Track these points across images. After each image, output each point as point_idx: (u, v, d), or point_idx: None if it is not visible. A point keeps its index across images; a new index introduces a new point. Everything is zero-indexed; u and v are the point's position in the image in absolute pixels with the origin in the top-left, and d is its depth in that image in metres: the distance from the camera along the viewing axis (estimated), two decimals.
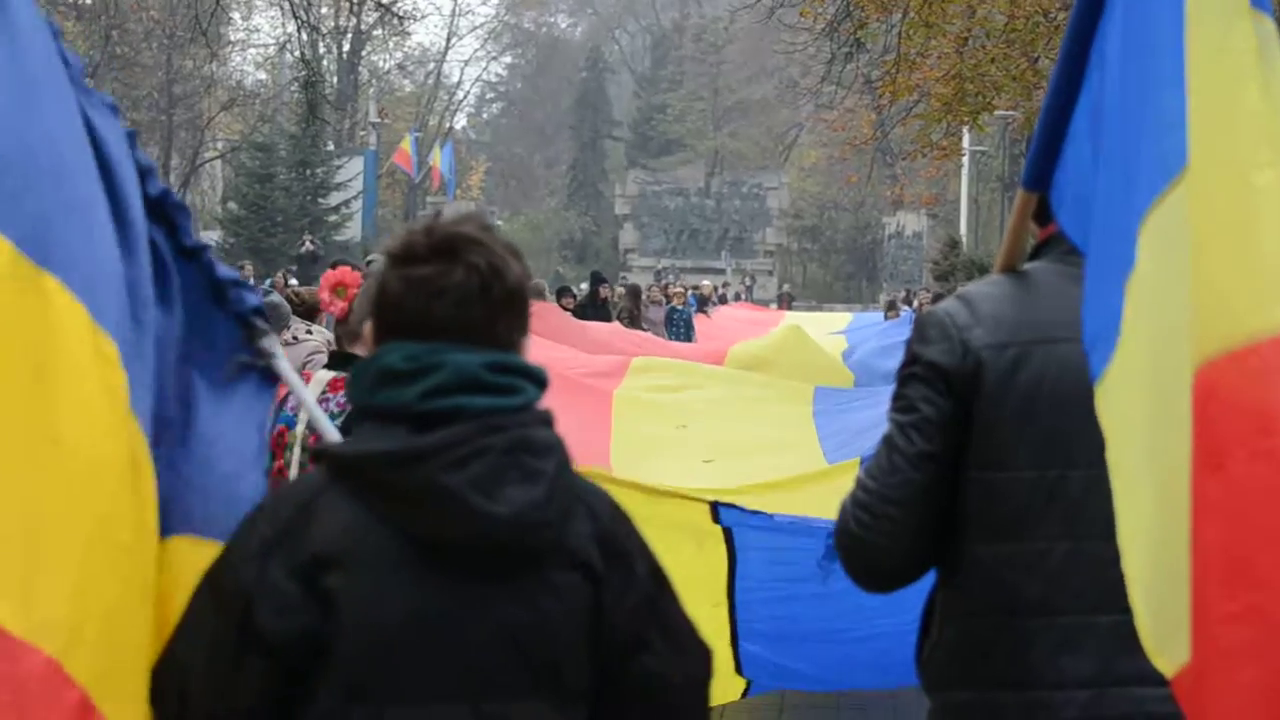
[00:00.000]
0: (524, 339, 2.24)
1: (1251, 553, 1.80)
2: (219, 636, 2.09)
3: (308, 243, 35.33)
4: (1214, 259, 1.87)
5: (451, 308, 2.13)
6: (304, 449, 4.02)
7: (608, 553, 2.19)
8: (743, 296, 42.64)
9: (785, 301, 38.99)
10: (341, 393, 3.97)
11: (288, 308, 8.27)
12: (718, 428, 8.07)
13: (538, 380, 2.20)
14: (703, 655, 2.30)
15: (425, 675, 2.09)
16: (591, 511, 2.21)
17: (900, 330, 13.77)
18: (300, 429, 4.05)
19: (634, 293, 20.28)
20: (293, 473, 3.97)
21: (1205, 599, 1.83)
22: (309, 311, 8.28)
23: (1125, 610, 2.03)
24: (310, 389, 4.00)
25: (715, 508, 4.48)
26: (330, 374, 4.10)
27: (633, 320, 18.31)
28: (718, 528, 4.52)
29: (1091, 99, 2.35)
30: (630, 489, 4.06)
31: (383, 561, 2.09)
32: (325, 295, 4.26)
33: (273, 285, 23.84)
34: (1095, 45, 2.34)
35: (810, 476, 5.95)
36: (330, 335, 7.97)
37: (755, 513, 4.41)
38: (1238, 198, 1.87)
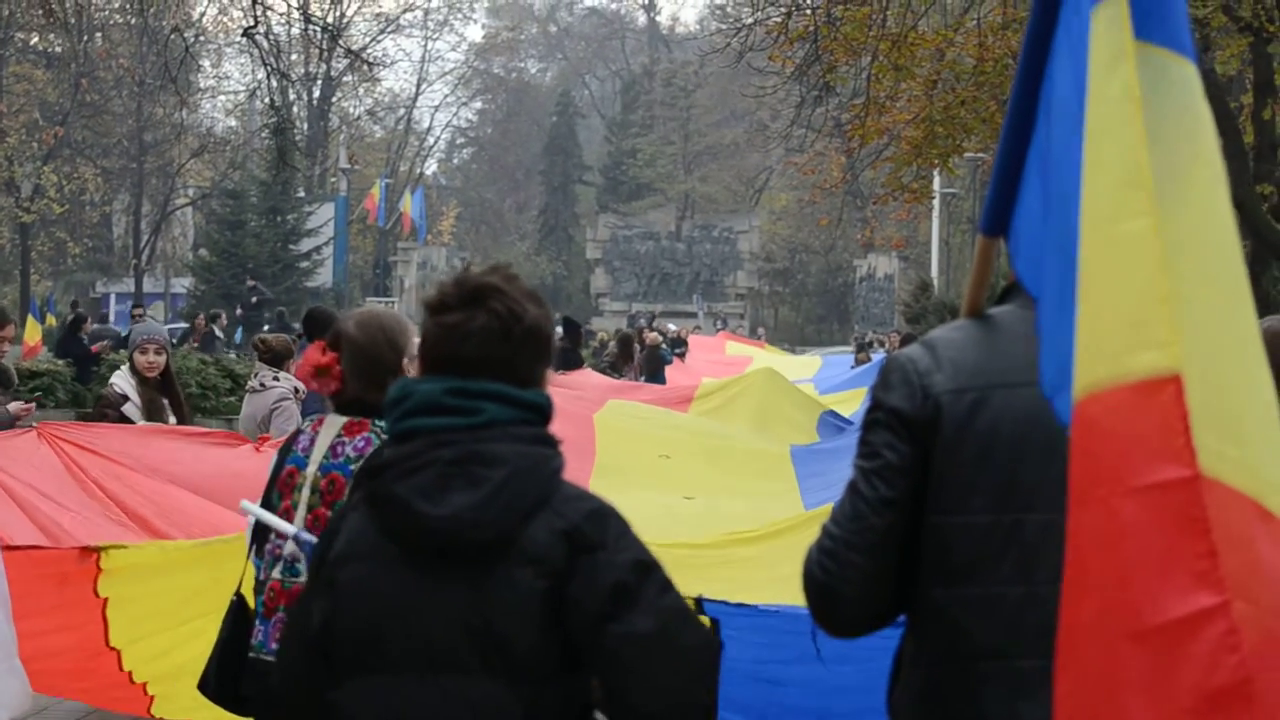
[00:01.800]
0: (544, 370, 2.62)
1: (1071, 600, 1.79)
2: (292, 638, 2.68)
3: (252, 287, 35.54)
4: (1085, 305, 1.87)
5: (477, 348, 2.52)
6: (314, 490, 3.99)
7: (576, 548, 2.46)
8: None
9: (762, 344, 39.06)
10: (358, 436, 3.98)
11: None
12: (700, 464, 8.06)
13: (512, 402, 2.52)
14: (679, 624, 2.50)
15: (397, 652, 2.49)
16: (560, 514, 2.48)
17: (869, 378, 13.65)
18: (310, 470, 4.03)
19: (625, 341, 19.64)
20: (300, 513, 3.98)
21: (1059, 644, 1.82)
22: (276, 358, 8.40)
23: None
24: (324, 432, 4.08)
25: (700, 602, 4.47)
26: (343, 418, 4.06)
27: (615, 369, 18.15)
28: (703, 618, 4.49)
29: (1040, 144, 2.35)
30: None
31: (371, 558, 2.53)
32: (314, 385, 4.20)
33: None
34: (1044, 89, 2.33)
35: (788, 526, 5.93)
36: (297, 383, 8.02)
37: (740, 605, 4.40)
38: (1108, 246, 1.86)
